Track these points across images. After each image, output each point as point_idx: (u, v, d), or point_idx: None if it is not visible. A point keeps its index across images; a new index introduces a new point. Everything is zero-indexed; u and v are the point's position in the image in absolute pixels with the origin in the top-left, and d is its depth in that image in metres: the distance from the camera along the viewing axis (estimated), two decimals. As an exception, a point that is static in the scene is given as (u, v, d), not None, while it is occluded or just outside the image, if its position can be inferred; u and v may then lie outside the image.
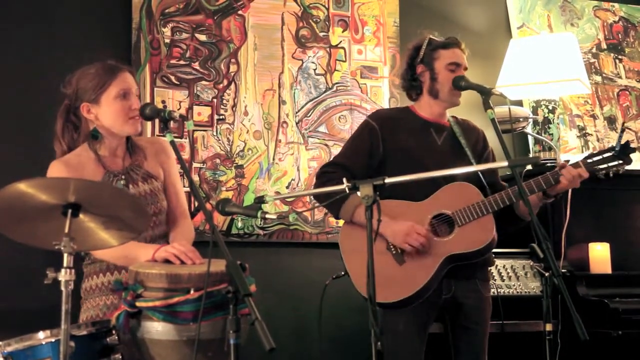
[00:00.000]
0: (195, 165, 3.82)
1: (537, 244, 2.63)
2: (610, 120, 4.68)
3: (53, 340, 2.19)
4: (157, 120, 3.55)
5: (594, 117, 4.65)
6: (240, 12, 3.98)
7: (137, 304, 2.26)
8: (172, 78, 3.83)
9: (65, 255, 2.10)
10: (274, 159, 3.95)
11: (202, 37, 3.90)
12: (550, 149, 4.16)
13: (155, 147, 2.83)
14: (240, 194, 3.88)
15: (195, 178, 3.78)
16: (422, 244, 2.88)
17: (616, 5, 4.87)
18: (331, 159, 3.41)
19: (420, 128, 3.09)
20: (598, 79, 4.71)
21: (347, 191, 2.37)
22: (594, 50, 4.75)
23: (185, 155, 3.79)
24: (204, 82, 3.88)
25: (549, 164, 3.85)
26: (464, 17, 4.48)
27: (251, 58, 3.97)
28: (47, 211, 2.12)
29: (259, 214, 2.58)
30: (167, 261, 2.46)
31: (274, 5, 4.05)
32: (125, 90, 2.67)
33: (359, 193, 2.28)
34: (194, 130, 3.83)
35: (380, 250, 2.91)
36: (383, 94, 4.17)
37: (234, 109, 3.91)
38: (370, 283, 2.18)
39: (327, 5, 4.14)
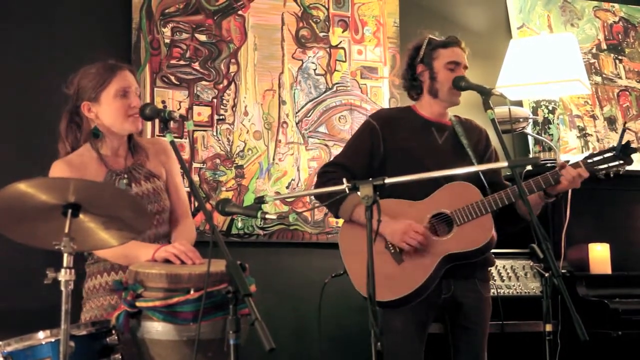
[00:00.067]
0: (195, 165, 3.82)
1: (537, 244, 2.63)
2: (610, 121, 4.68)
3: (53, 340, 2.19)
4: (157, 121, 3.55)
5: (594, 117, 4.65)
6: (240, 12, 3.98)
7: (137, 304, 2.26)
8: (172, 78, 3.83)
9: (65, 255, 2.10)
10: (274, 159, 3.95)
11: (202, 37, 3.90)
12: (550, 149, 4.16)
13: (155, 148, 2.83)
14: (240, 194, 3.88)
15: (195, 178, 3.79)
16: (420, 243, 2.88)
17: (616, 5, 4.87)
18: (332, 158, 3.41)
19: (421, 128, 3.09)
20: (598, 79, 4.71)
21: (347, 191, 2.37)
22: (594, 50, 4.75)
23: (185, 155, 3.79)
24: (204, 82, 3.88)
25: (549, 164, 3.85)
26: (464, 17, 4.48)
27: (251, 58, 3.97)
28: (47, 211, 2.12)
29: (259, 214, 2.58)
30: (167, 261, 2.46)
31: (274, 5, 4.05)
32: (125, 89, 2.67)
33: (359, 193, 2.28)
34: (194, 131, 3.83)
35: (379, 249, 2.91)
36: (383, 94, 4.17)
37: (234, 109, 3.91)
38: (370, 283, 2.18)
39: (327, 6, 4.14)
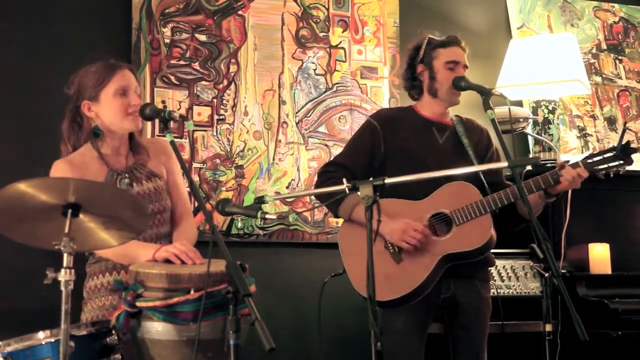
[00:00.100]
0: (195, 165, 3.82)
1: (537, 244, 2.63)
2: (610, 121, 4.68)
3: (53, 340, 2.19)
4: (157, 121, 3.55)
5: (594, 117, 4.65)
6: (240, 12, 3.98)
7: (137, 304, 2.26)
8: (172, 78, 3.83)
9: (65, 255, 2.10)
10: (274, 159, 3.95)
11: (202, 37, 3.90)
12: (550, 149, 4.16)
13: (156, 147, 2.83)
14: (240, 194, 3.88)
15: (195, 178, 3.78)
16: (419, 241, 2.88)
17: (616, 5, 4.87)
18: (332, 158, 3.42)
19: (422, 127, 3.09)
20: (598, 79, 4.71)
21: (347, 191, 2.37)
22: (594, 50, 4.75)
23: (185, 155, 3.79)
24: (204, 82, 3.88)
25: (549, 165, 3.85)
26: (464, 17, 4.48)
27: (251, 58, 3.97)
28: (47, 211, 2.12)
29: (258, 214, 2.58)
30: (167, 261, 2.46)
31: (274, 5, 4.05)
32: (124, 87, 2.68)
33: (359, 193, 2.28)
34: (194, 131, 3.83)
35: (378, 249, 2.90)
36: (383, 94, 4.17)
37: (234, 109, 3.91)
38: (370, 284, 2.18)
39: (327, 6, 4.14)
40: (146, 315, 2.27)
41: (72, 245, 2.10)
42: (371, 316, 2.14)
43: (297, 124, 4.01)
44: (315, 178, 3.21)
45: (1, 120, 3.54)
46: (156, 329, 2.25)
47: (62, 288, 2.09)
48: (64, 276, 2.09)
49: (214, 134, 3.87)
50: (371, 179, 2.29)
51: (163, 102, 3.78)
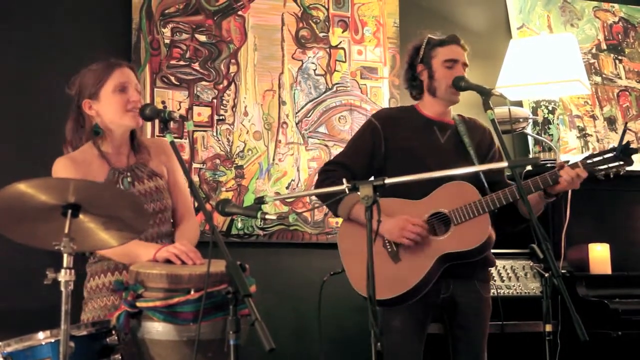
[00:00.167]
0: (195, 165, 3.82)
1: (537, 244, 2.63)
2: (610, 121, 4.68)
3: (53, 340, 2.19)
4: (157, 121, 3.55)
5: (593, 117, 4.65)
6: (240, 12, 3.98)
7: (138, 304, 2.27)
8: (172, 78, 3.83)
9: (65, 255, 2.10)
10: (273, 160, 3.95)
11: (202, 38, 3.90)
12: (550, 149, 4.16)
13: (156, 147, 2.84)
14: (240, 194, 3.88)
15: (195, 178, 3.78)
16: (419, 235, 2.88)
17: (616, 5, 4.87)
18: (332, 157, 3.42)
19: (423, 126, 3.10)
20: (598, 79, 4.71)
21: (347, 192, 2.37)
22: (593, 50, 4.75)
23: (185, 155, 3.78)
24: (204, 83, 3.88)
25: (548, 165, 3.85)
26: (464, 17, 4.48)
27: (251, 58, 3.97)
28: (47, 211, 2.12)
29: (258, 215, 2.58)
30: (168, 261, 2.47)
31: (274, 5, 4.05)
32: (123, 84, 2.69)
33: (359, 194, 2.28)
34: (193, 131, 3.83)
35: (376, 248, 2.87)
36: (383, 94, 4.17)
37: (233, 109, 3.91)
38: (370, 284, 2.19)
39: (327, 6, 4.14)
40: (146, 316, 2.27)
41: (72, 246, 2.10)
42: (371, 316, 2.14)
43: (297, 124, 4.01)
44: (316, 177, 3.22)
45: (1, 120, 3.54)
46: (156, 329, 2.26)
47: (62, 288, 2.10)
48: (64, 276, 2.09)
49: (214, 134, 3.87)
50: (371, 178, 2.30)
51: (163, 102, 3.78)
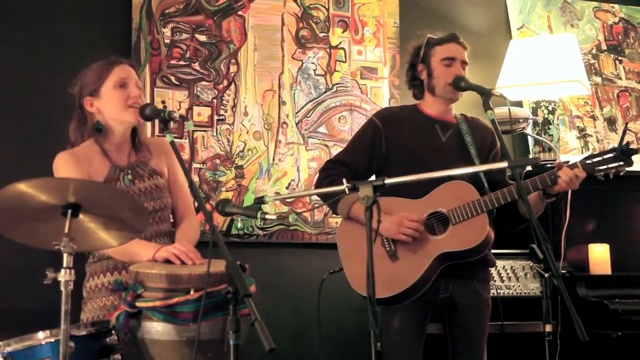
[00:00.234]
0: (195, 165, 3.82)
1: (537, 244, 2.63)
2: (610, 122, 4.68)
3: (53, 340, 2.19)
4: (157, 121, 3.55)
5: (593, 118, 4.65)
6: (240, 12, 3.98)
7: (137, 304, 2.27)
8: (172, 78, 3.83)
9: (65, 255, 2.10)
10: (273, 160, 3.95)
11: (202, 38, 3.90)
12: (550, 149, 4.16)
13: (156, 146, 2.84)
14: (240, 194, 3.88)
15: (195, 178, 3.78)
16: (416, 230, 2.88)
17: (616, 6, 4.87)
18: (333, 156, 3.42)
19: (425, 125, 3.10)
20: (598, 80, 4.71)
21: (347, 192, 2.37)
22: (594, 51, 4.75)
23: (185, 155, 3.78)
24: (204, 83, 3.88)
25: (548, 165, 3.84)
26: (464, 17, 4.48)
27: (251, 58, 3.97)
28: (47, 211, 2.13)
29: (258, 215, 2.59)
30: (167, 261, 2.47)
31: (274, 5, 4.05)
32: (124, 80, 2.70)
33: (359, 194, 2.29)
34: (193, 131, 3.83)
35: (375, 248, 2.89)
36: (383, 94, 4.17)
37: (233, 109, 3.91)
38: (370, 284, 2.19)
39: (327, 6, 4.14)
40: (146, 316, 2.27)
41: (72, 246, 2.11)
42: (371, 316, 2.14)
43: (297, 124, 4.01)
44: (316, 175, 3.22)
45: (1, 120, 3.54)
46: (156, 329, 2.25)
47: (62, 288, 2.10)
48: (64, 276, 2.10)
49: (214, 134, 3.87)
50: (372, 178, 2.30)
51: (163, 102, 3.78)
